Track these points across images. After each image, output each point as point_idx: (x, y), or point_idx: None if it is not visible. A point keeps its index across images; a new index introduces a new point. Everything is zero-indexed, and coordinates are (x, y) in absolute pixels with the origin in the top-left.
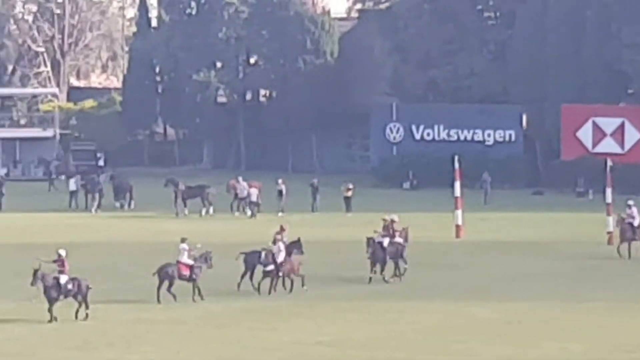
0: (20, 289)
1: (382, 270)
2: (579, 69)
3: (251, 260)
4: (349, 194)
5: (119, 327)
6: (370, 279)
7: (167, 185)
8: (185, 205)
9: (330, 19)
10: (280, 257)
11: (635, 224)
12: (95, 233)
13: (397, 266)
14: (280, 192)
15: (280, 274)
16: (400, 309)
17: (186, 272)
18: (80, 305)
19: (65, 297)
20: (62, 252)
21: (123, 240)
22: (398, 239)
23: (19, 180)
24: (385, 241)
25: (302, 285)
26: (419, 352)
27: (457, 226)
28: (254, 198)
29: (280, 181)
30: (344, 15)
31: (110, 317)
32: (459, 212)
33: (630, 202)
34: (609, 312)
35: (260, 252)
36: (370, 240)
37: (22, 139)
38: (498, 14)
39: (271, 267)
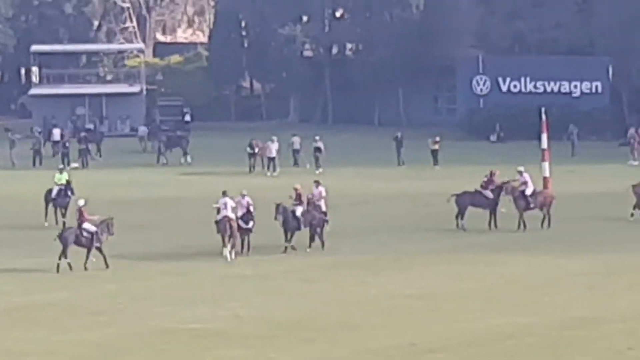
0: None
1: (291, 238)
2: None
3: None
4: (436, 147)
5: (207, 283)
6: (286, 248)
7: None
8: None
9: None
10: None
11: (528, 192)
12: (179, 188)
13: (319, 235)
14: (317, 148)
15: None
16: (490, 261)
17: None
18: None
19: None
20: (81, 202)
21: (207, 196)
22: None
23: (106, 136)
24: (298, 210)
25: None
26: (508, 305)
27: (545, 178)
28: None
29: (317, 137)
30: None
31: (199, 273)
32: (546, 164)
33: (521, 169)
34: None
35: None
36: (279, 207)
37: (109, 95)
38: None
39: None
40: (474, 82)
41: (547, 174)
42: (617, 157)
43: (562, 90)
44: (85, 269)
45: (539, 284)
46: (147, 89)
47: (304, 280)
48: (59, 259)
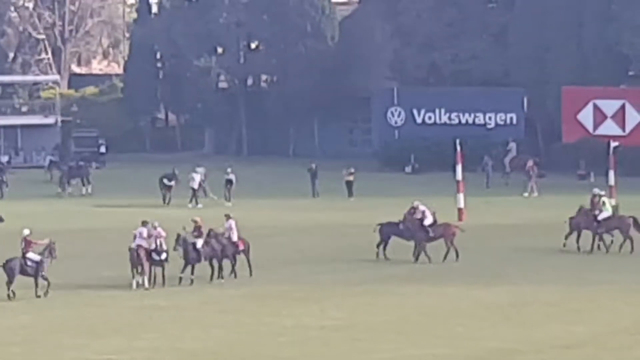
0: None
1: (192, 271)
2: (579, 52)
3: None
4: (351, 178)
5: (124, 313)
6: (180, 279)
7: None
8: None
9: (331, 3)
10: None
11: (427, 222)
12: (95, 219)
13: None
14: (229, 181)
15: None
16: (404, 293)
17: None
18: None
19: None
20: (26, 232)
21: (124, 227)
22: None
23: (21, 167)
24: (199, 242)
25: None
26: (423, 336)
27: (459, 209)
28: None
29: (229, 170)
30: (345, 0)
31: (115, 303)
32: (461, 195)
33: (416, 203)
34: (613, 295)
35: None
36: (179, 238)
37: (24, 126)
38: None
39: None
40: (389, 113)
41: (461, 205)
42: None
43: (477, 121)
44: (38, 296)
45: (454, 315)
46: (62, 121)
47: (220, 312)
48: (8, 289)
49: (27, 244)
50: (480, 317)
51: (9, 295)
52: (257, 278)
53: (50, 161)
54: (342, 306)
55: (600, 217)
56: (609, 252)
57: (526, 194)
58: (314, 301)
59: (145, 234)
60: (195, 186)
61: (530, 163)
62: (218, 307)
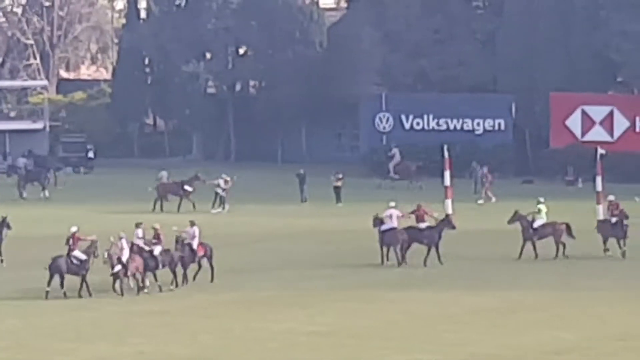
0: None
1: (155, 277)
2: (567, 57)
3: None
4: (339, 183)
5: (111, 319)
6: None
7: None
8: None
9: (319, 9)
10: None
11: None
12: (84, 224)
13: (175, 274)
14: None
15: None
16: (393, 298)
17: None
18: None
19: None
20: (74, 228)
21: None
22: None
23: (6, 173)
24: (157, 249)
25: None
26: (412, 342)
27: (447, 215)
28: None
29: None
30: (333, 6)
31: (102, 308)
32: (449, 201)
33: (392, 204)
34: (600, 301)
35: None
36: (133, 246)
37: (12, 132)
38: (487, 3)
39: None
40: (377, 119)
41: (449, 211)
42: (520, 194)
43: (465, 127)
44: (80, 296)
45: (441, 321)
46: (50, 126)
47: (207, 317)
48: (52, 286)
49: (75, 240)
50: (468, 323)
51: (65, 294)
52: (244, 283)
53: (8, 166)
54: (330, 312)
55: (535, 225)
56: (592, 259)
57: (481, 201)
58: (302, 307)
59: (140, 235)
60: (220, 191)
61: (484, 170)
62: (205, 313)
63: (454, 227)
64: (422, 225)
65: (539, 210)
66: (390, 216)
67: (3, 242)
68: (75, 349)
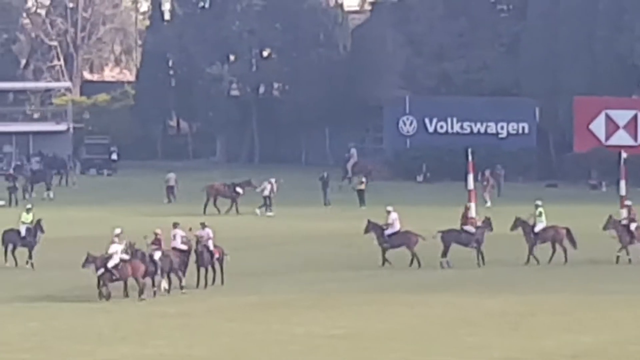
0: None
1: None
2: (591, 62)
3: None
4: (362, 187)
5: (132, 321)
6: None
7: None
8: None
9: (343, 12)
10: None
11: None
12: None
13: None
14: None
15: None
16: (413, 302)
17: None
18: None
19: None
20: (158, 230)
21: (136, 233)
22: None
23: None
24: (157, 254)
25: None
26: (432, 345)
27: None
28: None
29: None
30: (357, 8)
31: (123, 310)
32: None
33: (389, 208)
34: (619, 305)
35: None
36: (136, 251)
37: (36, 133)
38: (510, 6)
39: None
40: (401, 122)
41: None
42: (543, 198)
43: (489, 131)
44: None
45: (462, 325)
46: (74, 128)
47: (228, 319)
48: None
49: (159, 242)
50: (488, 326)
51: (131, 293)
52: (266, 286)
53: (16, 165)
54: (350, 314)
55: (536, 229)
56: (613, 263)
57: (488, 204)
58: (322, 309)
59: (180, 234)
60: (267, 193)
61: (487, 173)
62: (226, 315)
63: (491, 230)
64: (469, 228)
65: (540, 214)
66: (393, 220)
67: (37, 245)
68: (96, 351)
